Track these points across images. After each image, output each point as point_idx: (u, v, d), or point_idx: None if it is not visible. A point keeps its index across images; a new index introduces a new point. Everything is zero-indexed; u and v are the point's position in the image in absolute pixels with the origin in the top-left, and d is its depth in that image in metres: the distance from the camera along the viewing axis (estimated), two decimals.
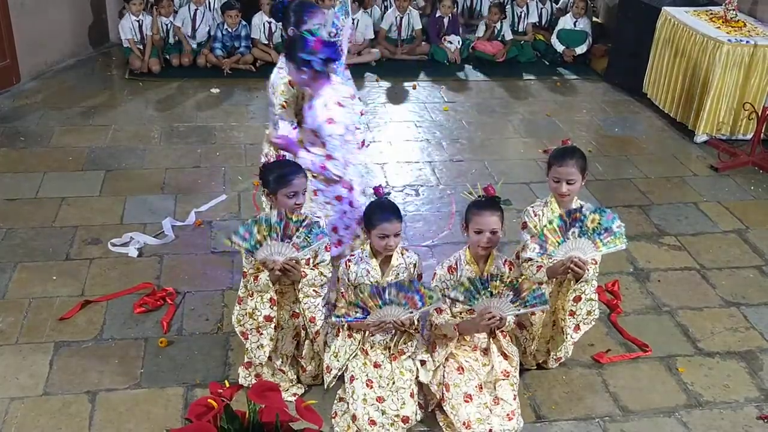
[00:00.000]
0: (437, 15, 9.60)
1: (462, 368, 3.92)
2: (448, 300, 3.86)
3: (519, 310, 3.72)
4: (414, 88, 8.74)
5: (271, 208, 3.91)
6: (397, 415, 3.78)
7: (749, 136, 7.28)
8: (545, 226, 3.84)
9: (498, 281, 3.66)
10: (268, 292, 3.84)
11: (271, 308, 3.86)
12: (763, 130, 7.05)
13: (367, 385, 3.83)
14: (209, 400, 2.77)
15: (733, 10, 7.62)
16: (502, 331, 3.99)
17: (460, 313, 3.90)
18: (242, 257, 3.89)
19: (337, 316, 3.80)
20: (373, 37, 9.51)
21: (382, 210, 3.84)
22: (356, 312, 3.70)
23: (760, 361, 4.68)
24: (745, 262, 5.62)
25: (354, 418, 3.78)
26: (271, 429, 2.71)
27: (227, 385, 2.79)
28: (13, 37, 7.92)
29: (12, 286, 5.01)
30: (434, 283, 3.97)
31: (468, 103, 8.39)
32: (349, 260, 3.94)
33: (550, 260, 3.96)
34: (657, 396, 4.37)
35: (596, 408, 4.26)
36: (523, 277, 3.79)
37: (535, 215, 4.18)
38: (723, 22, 7.56)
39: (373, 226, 3.81)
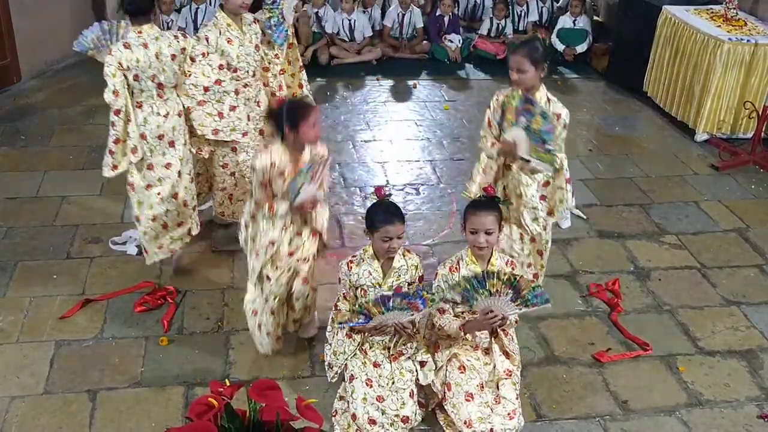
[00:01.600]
0: (438, 14, 9.60)
1: (463, 367, 3.91)
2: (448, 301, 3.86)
3: (521, 309, 3.70)
4: (415, 86, 8.74)
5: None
6: (397, 415, 3.78)
7: (750, 135, 7.28)
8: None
9: (495, 279, 3.63)
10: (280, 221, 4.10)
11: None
12: (763, 129, 7.05)
13: (367, 384, 3.83)
14: (210, 399, 2.76)
15: (734, 8, 7.62)
16: (505, 330, 3.98)
17: (462, 313, 3.89)
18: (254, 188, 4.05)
19: (341, 323, 3.81)
20: (371, 34, 9.51)
21: (384, 212, 3.80)
22: (359, 318, 3.70)
23: (760, 360, 4.68)
24: (745, 261, 5.62)
25: (354, 417, 3.77)
26: (272, 428, 2.71)
27: (228, 383, 2.79)
28: (13, 36, 7.92)
29: (13, 284, 5.01)
30: (436, 283, 3.95)
31: (469, 101, 8.38)
32: (351, 261, 3.92)
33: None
34: (657, 395, 4.37)
35: (597, 407, 4.27)
36: (520, 274, 3.75)
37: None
38: (724, 20, 7.56)
39: (375, 228, 3.78)
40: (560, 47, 9.57)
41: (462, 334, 3.88)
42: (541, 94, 4.44)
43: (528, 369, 4.50)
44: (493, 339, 3.98)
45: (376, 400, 3.79)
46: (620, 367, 4.57)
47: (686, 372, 4.55)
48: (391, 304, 3.63)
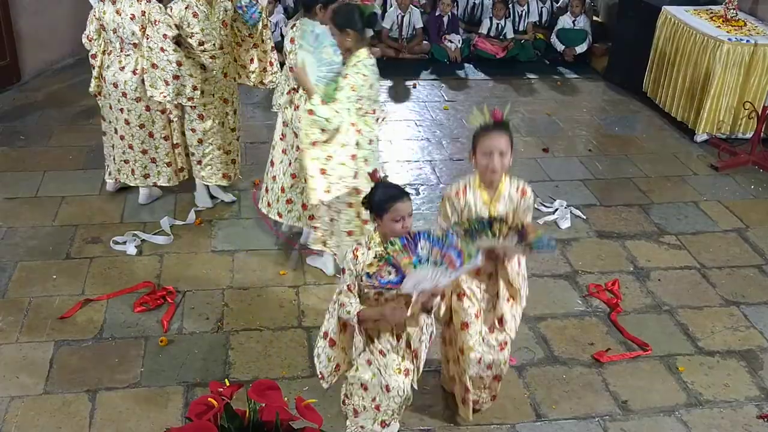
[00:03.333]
0: (437, 14, 9.60)
1: (463, 294, 3.84)
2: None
3: (524, 252, 3.56)
4: (414, 86, 8.74)
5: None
6: (399, 369, 3.68)
7: (749, 135, 7.28)
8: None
9: (502, 224, 3.48)
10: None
11: None
12: (763, 129, 7.05)
13: (368, 363, 3.72)
14: (209, 399, 2.77)
15: (734, 9, 7.62)
16: (509, 259, 3.78)
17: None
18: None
19: (369, 275, 3.45)
20: (371, 35, 9.50)
21: (391, 192, 3.58)
22: (389, 273, 3.39)
23: (760, 360, 4.68)
24: (745, 261, 5.62)
25: (365, 388, 3.72)
26: (272, 428, 2.71)
27: (227, 383, 2.79)
28: (13, 36, 7.93)
29: (12, 285, 5.01)
30: (443, 210, 3.83)
31: (468, 101, 8.38)
32: (357, 249, 3.68)
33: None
34: (657, 395, 4.37)
35: (596, 407, 4.27)
36: (528, 223, 3.61)
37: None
38: (723, 21, 7.56)
39: (385, 210, 3.54)
40: (560, 47, 9.58)
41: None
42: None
43: (527, 369, 4.51)
44: (498, 265, 3.82)
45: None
46: (620, 368, 4.57)
47: (686, 372, 4.55)
48: (419, 250, 3.35)
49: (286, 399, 2.65)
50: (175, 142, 5.76)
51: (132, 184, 5.87)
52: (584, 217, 6.06)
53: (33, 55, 8.25)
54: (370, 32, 4.80)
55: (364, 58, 4.63)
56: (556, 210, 6.09)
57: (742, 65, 7.21)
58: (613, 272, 5.40)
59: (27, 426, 3.97)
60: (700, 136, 7.49)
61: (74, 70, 8.53)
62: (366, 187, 4.23)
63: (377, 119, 4.86)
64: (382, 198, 3.56)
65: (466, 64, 9.46)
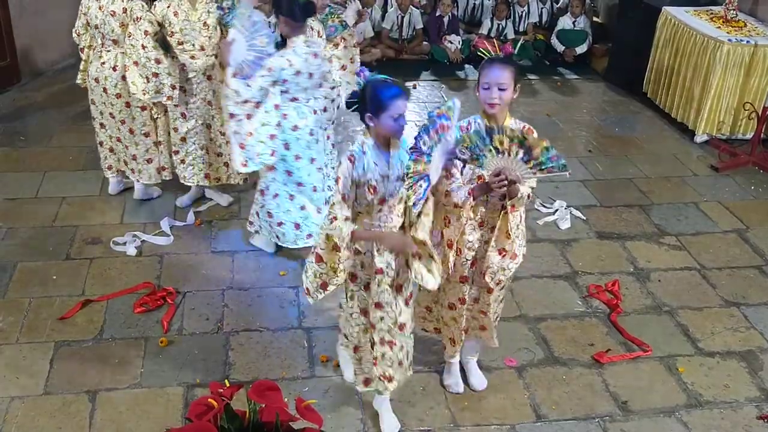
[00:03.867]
0: (437, 14, 9.60)
1: (459, 251, 3.87)
2: (459, 162, 3.60)
3: (535, 173, 3.45)
4: (414, 87, 8.73)
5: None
6: (395, 323, 3.70)
7: (749, 136, 7.28)
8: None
9: (502, 135, 3.40)
10: None
11: None
12: (763, 130, 7.05)
13: (363, 313, 3.76)
14: (209, 400, 2.77)
15: (734, 10, 7.62)
16: (514, 206, 3.71)
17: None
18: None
19: (414, 205, 3.40)
20: (372, 35, 9.50)
21: (387, 88, 3.47)
22: (421, 186, 3.36)
23: (760, 361, 4.68)
24: (745, 262, 5.62)
25: (356, 349, 3.76)
26: (272, 428, 2.71)
27: (227, 384, 2.79)
28: (13, 37, 7.92)
29: (12, 285, 5.01)
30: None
31: (468, 102, 8.37)
32: (352, 156, 3.53)
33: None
34: (657, 396, 4.37)
35: (596, 408, 4.27)
36: (529, 131, 3.57)
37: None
38: (723, 22, 7.56)
39: (385, 107, 3.44)
40: (560, 48, 9.58)
41: (471, 200, 3.63)
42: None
43: (527, 369, 4.50)
44: (500, 217, 3.75)
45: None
46: (620, 368, 4.57)
47: (686, 373, 4.55)
48: (424, 146, 3.34)
49: (286, 400, 2.64)
50: (158, 139, 5.78)
51: (124, 171, 5.96)
52: (584, 218, 6.06)
53: (33, 56, 8.26)
54: (307, 20, 4.92)
55: (298, 46, 4.78)
56: (556, 210, 6.09)
57: (743, 66, 7.21)
58: (613, 273, 5.40)
59: (27, 427, 3.96)
60: (701, 137, 7.49)
61: (74, 70, 8.43)
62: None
63: (314, 111, 4.98)
64: (382, 95, 3.46)
65: (466, 65, 9.46)
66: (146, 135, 5.70)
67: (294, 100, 4.89)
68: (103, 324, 4.71)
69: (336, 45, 5.56)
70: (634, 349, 4.72)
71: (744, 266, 5.58)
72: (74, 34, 5.60)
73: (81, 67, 5.71)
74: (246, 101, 4.67)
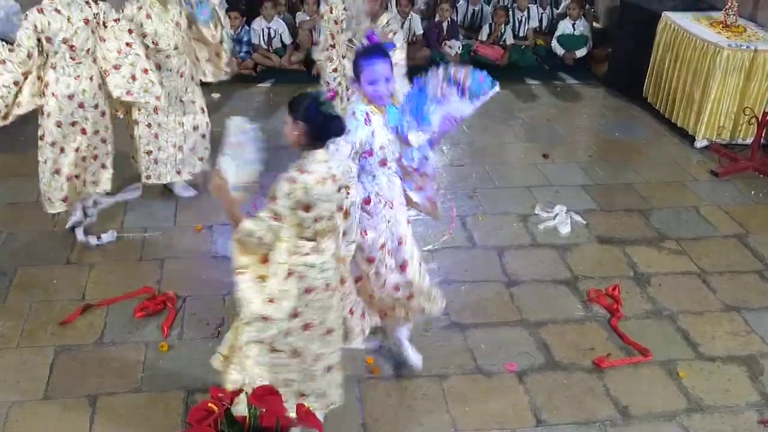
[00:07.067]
0: (437, 20, 9.61)
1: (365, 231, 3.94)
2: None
3: (474, 102, 3.52)
4: None
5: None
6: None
7: (749, 141, 7.29)
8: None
9: (436, 78, 3.45)
10: None
11: None
12: (763, 135, 7.06)
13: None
14: (210, 405, 2.77)
15: (734, 15, 7.61)
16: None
17: None
18: None
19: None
20: None
21: (366, 52, 3.60)
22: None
23: (760, 365, 4.68)
24: (745, 267, 5.62)
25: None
26: None
27: (228, 389, 2.80)
28: None
29: (13, 290, 5.02)
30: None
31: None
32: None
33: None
34: (658, 400, 4.37)
35: (597, 412, 4.26)
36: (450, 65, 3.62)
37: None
38: (723, 27, 7.56)
39: (359, 71, 3.57)
40: (560, 51, 9.57)
41: None
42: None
43: (528, 374, 4.50)
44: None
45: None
46: (620, 373, 4.56)
47: (686, 377, 4.54)
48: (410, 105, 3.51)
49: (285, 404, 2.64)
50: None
51: (84, 197, 5.68)
52: (584, 223, 6.06)
53: None
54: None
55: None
56: (557, 215, 6.09)
57: (742, 71, 7.21)
58: (613, 277, 5.40)
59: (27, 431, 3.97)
60: (701, 142, 7.49)
61: None
62: None
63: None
64: (359, 59, 3.55)
65: None
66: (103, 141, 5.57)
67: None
68: (104, 328, 4.71)
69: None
70: (635, 353, 4.71)
71: (744, 271, 5.58)
72: (14, 47, 5.04)
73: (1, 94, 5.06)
74: None
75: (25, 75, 5.11)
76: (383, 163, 3.82)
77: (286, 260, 3.31)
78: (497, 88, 3.54)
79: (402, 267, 4.05)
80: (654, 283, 5.39)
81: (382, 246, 3.96)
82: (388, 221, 3.93)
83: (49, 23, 5.01)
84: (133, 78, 5.33)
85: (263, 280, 3.36)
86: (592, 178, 6.83)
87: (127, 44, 5.29)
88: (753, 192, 6.71)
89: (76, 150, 5.38)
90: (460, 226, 5.91)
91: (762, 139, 7.09)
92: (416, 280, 4.10)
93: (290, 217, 3.24)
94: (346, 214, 3.57)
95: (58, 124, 5.26)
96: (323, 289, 3.43)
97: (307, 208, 3.24)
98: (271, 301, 3.36)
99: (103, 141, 5.57)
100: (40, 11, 5.02)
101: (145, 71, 5.35)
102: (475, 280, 5.33)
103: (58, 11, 5.04)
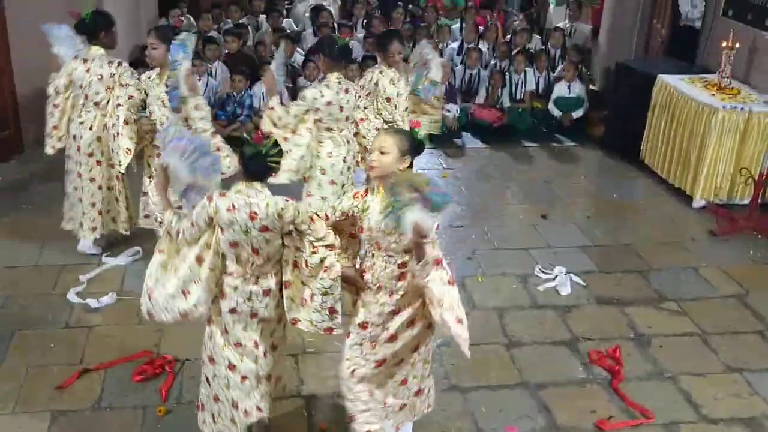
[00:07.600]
0: None
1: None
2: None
3: (435, 214, 3.57)
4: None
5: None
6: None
7: (747, 201, 7.33)
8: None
9: (401, 187, 3.50)
10: None
11: None
12: (760, 195, 7.10)
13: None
14: None
15: (728, 77, 7.72)
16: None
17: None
18: None
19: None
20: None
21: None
22: None
23: (764, 428, 4.63)
24: (746, 327, 5.60)
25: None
26: None
27: None
28: (17, 108, 8.04)
29: (10, 353, 4.99)
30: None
31: (467, 169, 8.46)
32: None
33: None
34: None
35: None
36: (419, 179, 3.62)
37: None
38: (718, 89, 7.65)
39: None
40: (557, 113, 9.65)
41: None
42: None
43: None
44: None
45: None
46: None
47: None
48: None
49: None
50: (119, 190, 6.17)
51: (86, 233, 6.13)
52: (584, 284, 6.06)
53: (37, 124, 8.31)
54: (343, 60, 5.74)
55: (332, 81, 5.59)
56: (556, 276, 6.09)
57: (737, 132, 7.29)
58: (614, 338, 5.38)
59: None
60: (698, 202, 7.53)
61: None
62: None
63: (347, 140, 5.78)
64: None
65: (463, 133, 9.53)
66: (110, 188, 6.10)
67: (328, 129, 5.65)
68: (101, 392, 4.68)
69: (433, 107, 6.41)
70: (637, 416, 4.67)
71: (745, 331, 5.56)
72: (51, 89, 5.85)
73: (49, 132, 5.96)
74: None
75: None
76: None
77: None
78: (454, 205, 3.60)
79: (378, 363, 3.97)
80: (655, 344, 5.37)
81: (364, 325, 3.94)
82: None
83: (76, 69, 5.75)
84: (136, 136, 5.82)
85: None
86: (590, 239, 6.85)
87: (118, 105, 5.76)
88: (751, 252, 6.73)
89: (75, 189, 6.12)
90: (459, 288, 5.88)
91: (759, 199, 7.13)
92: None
93: None
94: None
95: (68, 156, 6.08)
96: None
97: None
98: None
99: (100, 188, 6.04)
100: (75, 59, 5.79)
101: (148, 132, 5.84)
102: (475, 341, 5.24)
103: (84, 60, 5.76)
